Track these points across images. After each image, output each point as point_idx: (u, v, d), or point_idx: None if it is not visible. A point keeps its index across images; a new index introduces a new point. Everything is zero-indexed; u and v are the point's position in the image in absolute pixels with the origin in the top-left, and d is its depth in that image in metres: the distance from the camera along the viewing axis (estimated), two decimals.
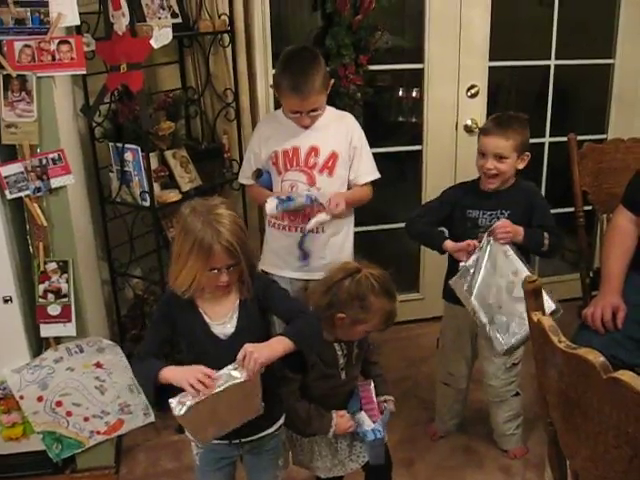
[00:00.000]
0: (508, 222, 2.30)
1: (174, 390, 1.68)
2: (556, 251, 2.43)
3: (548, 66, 3.49)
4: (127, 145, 2.66)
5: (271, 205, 2.42)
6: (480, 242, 2.31)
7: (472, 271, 2.30)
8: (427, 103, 3.38)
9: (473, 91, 3.38)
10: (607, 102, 3.62)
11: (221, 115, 3.07)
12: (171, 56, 3.04)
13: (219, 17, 2.92)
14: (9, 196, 2.28)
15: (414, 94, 3.64)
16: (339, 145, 2.51)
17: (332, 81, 2.51)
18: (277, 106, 3.14)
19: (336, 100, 2.94)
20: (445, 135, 3.43)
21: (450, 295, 2.48)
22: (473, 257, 2.30)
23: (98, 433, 2.59)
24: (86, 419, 2.55)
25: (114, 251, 2.99)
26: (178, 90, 3.04)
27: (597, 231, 3.18)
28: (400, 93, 3.80)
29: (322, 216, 2.43)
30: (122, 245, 3.00)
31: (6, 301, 2.37)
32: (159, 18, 2.69)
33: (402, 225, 3.60)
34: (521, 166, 2.41)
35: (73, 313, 2.41)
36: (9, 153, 2.29)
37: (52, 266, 2.37)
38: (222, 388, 1.66)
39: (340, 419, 2.01)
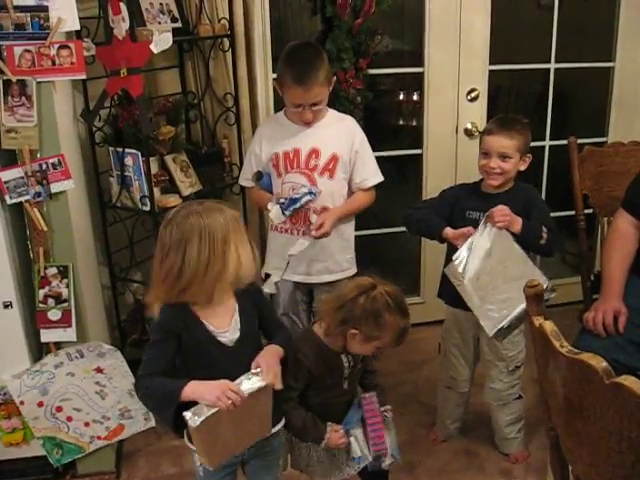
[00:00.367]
0: (506, 207, 2.27)
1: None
2: (553, 248, 2.39)
3: (548, 69, 3.49)
4: (127, 150, 2.66)
5: (276, 213, 2.41)
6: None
7: (467, 254, 2.29)
8: (427, 107, 3.38)
9: (473, 95, 3.38)
10: (607, 105, 3.62)
11: (221, 119, 3.07)
12: (171, 60, 3.04)
13: (219, 21, 2.92)
14: (9, 201, 2.28)
15: (414, 98, 3.64)
16: (340, 148, 2.51)
17: (334, 78, 2.51)
18: (277, 110, 3.15)
19: (336, 104, 2.94)
20: (445, 139, 3.43)
21: (450, 298, 2.48)
22: (468, 240, 2.29)
23: (99, 438, 2.58)
24: (86, 424, 2.55)
25: (114, 256, 2.99)
26: (178, 94, 3.04)
27: (598, 234, 3.17)
28: (400, 97, 3.80)
29: (301, 242, 2.44)
30: (122, 250, 3.00)
31: (6, 306, 2.36)
32: (159, 23, 2.69)
33: (403, 229, 3.61)
34: (523, 167, 2.41)
35: (73, 318, 2.41)
36: (9, 158, 2.29)
37: (52, 271, 2.37)
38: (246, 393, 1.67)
39: (334, 434, 1.99)
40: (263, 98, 3.12)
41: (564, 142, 2.84)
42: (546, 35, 3.42)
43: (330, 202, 2.51)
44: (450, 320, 2.63)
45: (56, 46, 2.21)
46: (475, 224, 2.36)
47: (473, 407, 2.86)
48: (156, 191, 2.71)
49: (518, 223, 2.29)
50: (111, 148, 2.74)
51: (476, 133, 3.38)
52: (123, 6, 2.40)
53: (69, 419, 2.52)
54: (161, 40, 2.47)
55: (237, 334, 1.79)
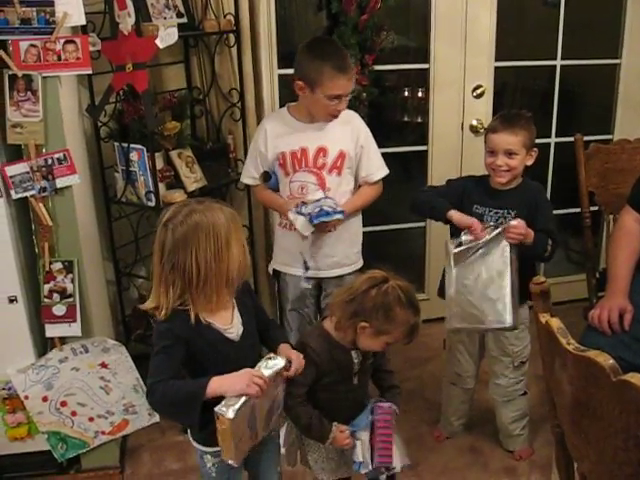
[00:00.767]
0: (523, 224, 2.27)
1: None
2: (550, 258, 2.42)
3: (554, 66, 3.48)
4: (132, 145, 2.66)
5: (305, 225, 2.40)
6: (486, 227, 2.32)
7: (466, 247, 2.33)
8: (433, 103, 3.38)
9: (479, 91, 3.37)
10: (613, 102, 3.61)
11: (226, 115, 3.07)
12: (176, 56, 3.04)
13: (224, 17, 2.92)
14: (15, 196, 2.28)
15: (420, 94, 3.63)
16: (346, 144, 2.51)
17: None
18: (282, 106, 3.14)
19: None
20: (451, 135, 3.43)
21: None
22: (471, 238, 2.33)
23: (103, 433, 2.58)
24: (91, 419, 2.55)
25: (119, 251, 2.99)
26: (183, 90, 3.03)
27: (603, 232, 3.17)
28: (406, 93, 3.79)
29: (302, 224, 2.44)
30: (127, 245, 3.00)
31: (11, 301, 2.36)
32: (165, 18, 2.68)
33: (407, 225, 3.63)
34: (530, 162, 2.40)
35: (78, 313, 2.41)
36: (15, 153, 2.30)
37: (57, 266, 2.37)
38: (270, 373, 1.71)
39: (339, 434, 1.99)
40: (268, 94, 3.12)
41: (570, 139, 2.84)
42: (552, 32, 3.41)
43: (338, 198, 2.51)
44: None
45: (62, 41, 2.21)
46: (481, 219, 2.37)
47: (477, 404, 2.86)
48: (161, 186, 2.71)
49: (531, 237, 2.30)
50: (116, 143, 2.74)
51: (481, 130, 3.37)
52: (129, 1, 2.39)
53: (74, 414, 2.52)
54: (167, 35, 2.47)
55: (241, 329, 1.80)
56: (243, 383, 1.64)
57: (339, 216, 2.43)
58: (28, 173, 2.27)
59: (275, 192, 2.60)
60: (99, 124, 2.78)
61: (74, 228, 2.38)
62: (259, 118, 3.07)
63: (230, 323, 1.79)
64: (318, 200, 2.44)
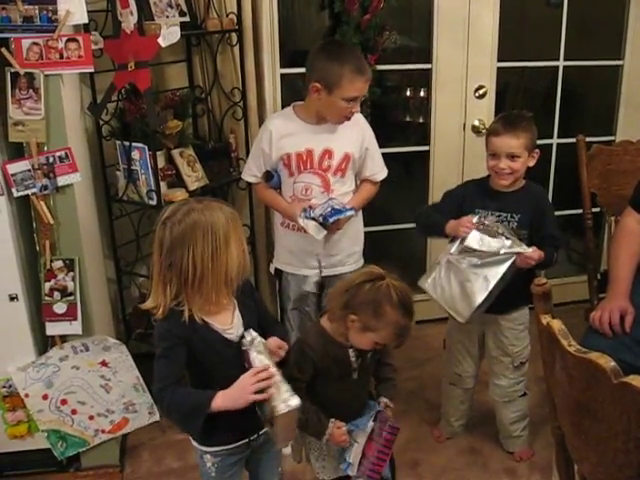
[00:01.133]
0: (538, 254, 2.28)
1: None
2: (555, 263, 2.44)
3: (556, 67, 3.47)
4: (134, 143, 2.66)
5: (317, 230, 2.41)
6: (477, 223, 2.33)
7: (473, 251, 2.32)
8: (435, 103, 3.37)
9: (481, 92, 3.37)
10: (616, 104, 3.61)
11: (228, 114, 3.07)
12: (179, 55, 3.04)
13: (227, 16, 2.92)
14: (16, 194, 2.28)
15: (422, 94, 3.63)
16: (352, 147, 2.53)
17: None
18: (284, 105, 3.14)
19: None
20: (453, 136, 3.42)
21: None
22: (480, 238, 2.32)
23: (103, 432, 2.58)
24: (91, 417, 2.55)
25: (120, 250, 2.99)
26: (185, 89, 3.03)
27: (605, 233, 3.17)
28: (408, 93, 3.78)
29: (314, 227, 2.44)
30: (128, 244, 3.00)
31: (12, 299, 2.37)
32: (167, 17, 2.68)
33: (409, 225, 3.61)
34: (532, 163, 2.40)
35: (79, 311, 2.41)
36: (16, 151, 2.30)
37: (58, 264, 2.37)
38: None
39: (336, 430, 1.99)
40: (270, 93, 3.12)
41: (572, 140, 2.83)
42: (555, 32, 3.41)
43: (340, 199, 2.52)
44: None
45: (64, 39, 2.21)
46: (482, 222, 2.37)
47: (477, 405, 2.86)
48: (163, 185, 2.71)
49: (541, 257, 2.30)
50: (118, 142, 2.74)
51: (483, 130, 3.36)
52: (131, 0, 2.39)
53: (74, 412, 2.52)
54: (169, 34, 2.47)
55: (241, 329, 1.79)
56: (246, 393, 1.66)
57: (351, 212, 2.45)
58: (29, 171, 2.27)
59: (276, 190, 2.60)
60: (101, 122, 2.78)
61: (75, 226, 2.38)
62: (261, 117, 3.07)
63: (230, 323, 1.78)
64: (325, 202, 2.45)
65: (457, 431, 2.82)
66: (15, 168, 2.26)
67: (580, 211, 2.81)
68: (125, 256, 3.01)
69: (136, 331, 3.03)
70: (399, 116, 3.85)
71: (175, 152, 2.81)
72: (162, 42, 2.45)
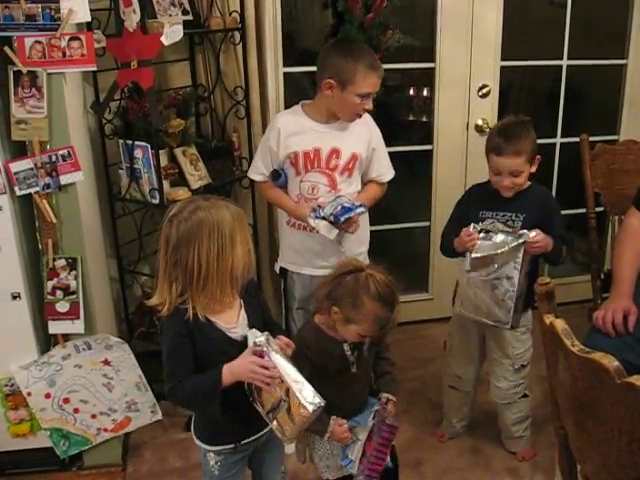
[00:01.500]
0: (542, 235, 2.28)
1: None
2: (561, 262, 2.45)
3: (560, 66, 3.46)
4: (137, 142, 2.66)
5: (328, 229, 2.40)
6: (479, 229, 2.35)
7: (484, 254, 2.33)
8: (438, 102, 3.37)
9: (484, 91, 3.36)
10: (619, 103, 3.60)
11: (231, 113, 3.06)
12: (182, 53, 3.03)
13: (230, 14, 2.91)
14: (18, 192, 2.28)
15: (425, 93, 3.62)
16: (359, 147, 2.53)
17: None
18: (287, 104, 3.14)
19: None
20: (456, 135, 3.42)
21: None
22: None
23: (105, 430, 2.58)
24: (93, 416, 2.55)
25: (123, 248, 2.99)
26: (188, 87, 3.03)
27: (608, 233, 3.16)
28: (411, 92, 3.78)
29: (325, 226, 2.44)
30: (131, 242, 3.00)
31: (14, 297, 2.37)
32: (170, 15, 2.68)
33: (412, 225, 3.64)
34: (534, 169, 2.40)
35: (81, 310, 2.41)
36: (19, 149, 2.29)
37: (61, 263, 2.37)
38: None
39: (337, 427, 1.99)
40: (273, 92, 3.11)
41: (575, 139, 2.83)
42: (558, 31, 3.40)
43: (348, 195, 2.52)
44: (457, 317, 2.62)
45: (67, 37, 2.21)
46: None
47: (480, 405, 2.85)
48: (165, 184, 2.71)
49: (550, 245, 2.32)
50: (121, 140, 2.74)
51: (487, 129, 3.36)
52: None
53: (76, 411, 2.52)
54: (172, 32, 2.46)
55: (246, 329, 1.79)
56: (247, 374, 1.69)
57: (362, 209, 2.44)
58: (32, 170, 2.27)
59: (282, 189, 2.59)
60: (103, 121, 2.78)
61: (78, 225, 2.38)
62: (264, 116, 3.07)
63: (235, 322, 1.78)
64: (334, 200, 2.44)
65: (459, 432, 2.82)
66: (18, 167, 2.26)
67: (583, 211, 2.81)
68: (128, 255, 3.01)
69: (138, 330, 3.03)
70: (402, 115, 3.85)
71: (178, 151, 2.81)
72: (165, 40, 2.44)
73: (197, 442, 1.91)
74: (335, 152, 2.49)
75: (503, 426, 2.71)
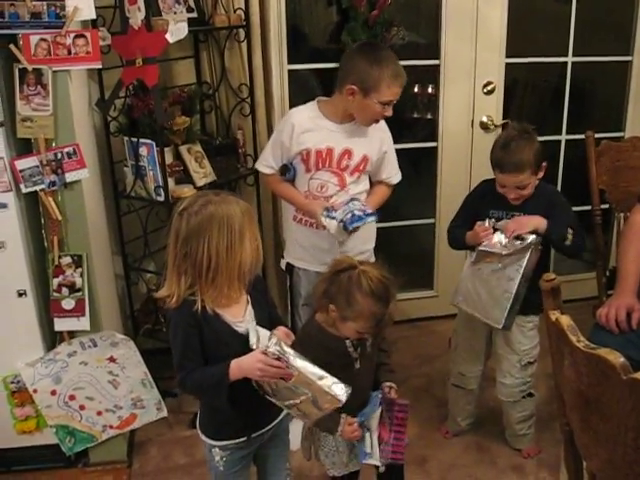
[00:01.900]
0: (512, 224, 2.33)
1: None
2: (577, 251, 2.44)
3: (565, 63, 3.45)
4: (142, 140, 2.66)
5: (340, 231, 2.42)
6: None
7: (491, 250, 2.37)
8: (443, 100, 3.36)
9: (489, 88, 3.35)
10: (625, 100, 3.59)
11: (236, 110, 3.07)
12: (186, 51, 3.04)
13: (235, 12, 2.91)
14: (24, 190, 2.28)
15: (429, 90, 3.61)
16: (371, 149, 2.53)
17: None
18: (291, 101, 3.14)
19: None
20: (461, 132, 3.41)
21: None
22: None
23: (111, 427, 2.59)
24: (99, 413, 2.56)
25: (128, 246, 2.99)
26: (193, 85, 3.03)
27: (614, 230, 3.15)
28: (415, 89, 3.77)
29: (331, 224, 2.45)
30: (136, 240, 3.00)
31: (20, 295, 2.37)
32: (175, 12, 2.68)
33: (417, 222, 3.63)
34: (541, 176, 2.40)
35: (87, 307, 2.42)
36: (24, 147, 2.30)
37: (66, 260, 2.38)
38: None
39: (347, 427, 1.99)
40: (278, 89, 3.11)
41: (580, 136, 2.83)
42: (563, 28, 3.39)
43: (358, 197, 2.53)
44: (462, 315, 2.62)
45: (72, 35, 2.22)
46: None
47: (485, 402, 2.85)
48: (170, 181, 2.71)
49: (541, 222, 2.31)
50: (126, 138, 2.74)
51: (492, 127, 3.36)
52: None
53: (82, 408, 2.53)
54: (177, 30, 2.47)
55: (253, 323, 1.80)
56: (255, 370, 1.68)
57: (372, 218, 2.46)
58: (38, 167, 2.27)
59: (290, 183, 2.59)
60: (109, 118, 2.78)
61: (83, 222, 2.38)
62: (269, 113, 3.07)
63: (242, 317, 1.79)
64: (346, 203, 2.45)
65: (464, 429, 2.82)
66: (23, 164, 2.26)
67: (589, 208, 2.80)
68: (133, 252, 3.01)
69: (144, 327, 3.04)
70: (407, 112, 3.84)
71: (183, 148, 2.81)
72: (170, 38, 2.45)
73: (202, 437, 1.91)
74: (347, 153, 2.49)
75: (507, 424, 2.71)
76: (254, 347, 1.73)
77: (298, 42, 3.31)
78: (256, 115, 3.03)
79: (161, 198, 2.69)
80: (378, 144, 2.56)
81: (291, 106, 3.12)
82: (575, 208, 3.31)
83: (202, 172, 2.85)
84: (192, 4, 2.83)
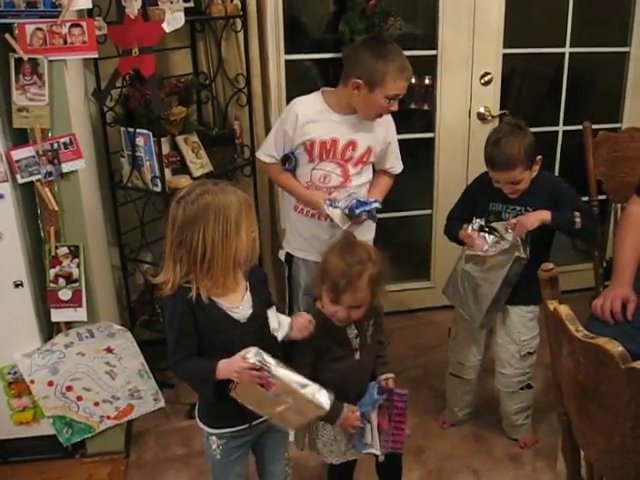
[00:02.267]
0: (523, 221, 2.33)
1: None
2: (590, 231, 2.45)
3: (563, 53, 3.45)
4: (138, 130, 2.65)
5: (343, 218, 2.44)
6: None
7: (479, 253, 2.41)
8: (440, 90, 3.36)
9: (487, 78, 3.34)
10: (622, 90, 3.58)
11: (233, 100, 3.06)
12: (183, 41, 3.03)
13: (231, 1, 2.90)
14: (20, 180, 2.28)
15: (427, 81, 3.60)
16: (375, 141, 2.53)
17: None
18: (289, 91, 3.13)
19: None
20: (458, 123, 3.41)
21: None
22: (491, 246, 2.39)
23: (108, 418, 2.59)
24: (96, 404, 2.56)
25: (125, 236, 2.99)
26: (190, 75, 3.02)
27: (611, 220, 3.15)
28: (413, 80, 3.75)
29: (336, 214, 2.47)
30: (133, 230, 2.99)
31: (17, 286, 2.37)
32: (171, 2, 2.65)
33: (414, 213, 3.63)
34: (536, 171, 2.40)
35: (84, 298, 2.41)
36: (20, 137, 2.29)
37: (63, 251, 2.37)
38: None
39: (351, 414, 1.99)
40: (275, 79, 3.11)
41: (578, 127, 2.82)
42: (561, 18, 3.38)
43: (358, 190, 2.54)
44: None
45: (68, 24, 2.20)
46: (498, 215, 2.43)
47: (484, 392, 2.86)
48: (167, 172, 2.70)
49: (544, 215, 2.32)
50: (122, 128, 2.73)
51: (489, 117, 3.36)
52: None
53: (79, 398, 2.53)
54: (173, 19, 2.45)
55: (250, 311, 1.80)
56: (232, 373, 1.67)
57: (377, 204, 2.49)
58: (34, 157, 2.26)
59: (291, 174, 2.58)
60: (105, 109, 2.76)
61: (80, 213, 2.38)
62: (265, 103, 3.06)
63: (238, 303, 1.80)
64: (347, 195, 2.47)
65: (462, 419, 2.82)
66: (19, 154, 2.25)
67: (586, 198, 2.80)
68: (130, 243, 3.01)
69: (141, 318, 3.04)
70: (404, 103, 3.82)
71: (179, 138, 2.80)
72: (166, 27, 2.44)
73: (200, 425, 1.92)
74: (352, 144, 2.48)
75: (504, 414, 2.71)
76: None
77: (295, 32, 3.29)
78: (253, 105, 3.02)
79: (158, 189, 2.68)
80: (382, 135, 2.55)
81: (288, 96, 3.11)
82: None
83: (199, 162, 2.84)
84: None
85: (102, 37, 2.49)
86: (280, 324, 1.78)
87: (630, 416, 1.17)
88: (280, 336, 1.84)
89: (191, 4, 2.81)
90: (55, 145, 2.27)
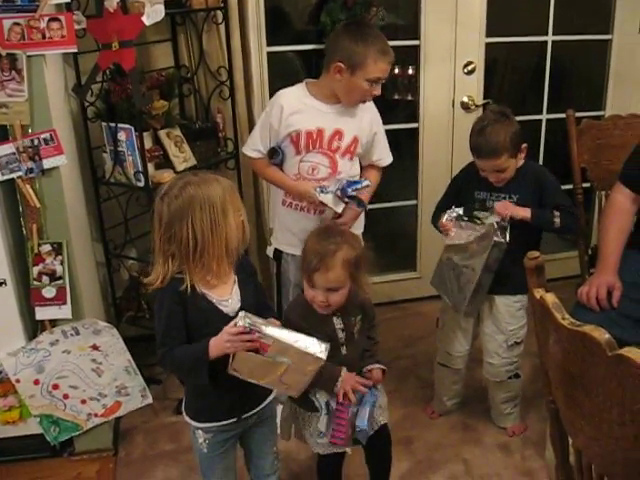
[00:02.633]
0: (506, 204, 2.35)
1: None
2: (570, 228, 2.46)
3: (545, 42, 3.45)
4: (120, 125, 2.63)
5: (336, 201, 2.44)
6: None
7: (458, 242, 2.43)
8: (423, 80, 3.35)
9: (470, 68, 3.34)
10: (605, 78, 3.59)
11: (215, 93, 3.03)
12: (164, 34, 3.00)
13: None
14: (1, 178, 2.25)
15: (410, 71, 3.60)
16: (361, 130, 2.51)
17: None
18: (271, 84, 3.12)
19: None
20: (442, 112, 3.40)
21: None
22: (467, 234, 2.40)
23: (95, 415, 2.58)
24: (83, 402, 2.54)
25: (108, 232, 2.97)
26: (171, 68, 2.99)
27: (595, 208, 3.16)
28: (396, 71, 3.75)
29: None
30: (117, 226, 2.97)
31: (0, 284, 2.34)
32: None
33: (399, 203, 3.63)
34: (522, 160, 2.40)
35: (68, 295, 2.39)
36: (0, 134, 2.26)
37: (46, 248, 2.35)
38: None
39: (348, 376, 1.99)
40: (257, 71, 3.09)
41: (561, 115, 2.83)
42: (543, 7, 3.38)
43: None
44: None
45: (46, 19, 2.17)
46: (483, 203, 2.42)
47: (471, 382, 2.87)
48: (150, 166, 2.68)
49: (526, 212, 2.34)
50: (104, 123, 2.70)
51: (472, 107, 3.36)
52: None
53: (65, 397, 2.51)
54: (153, 12, 2.43)
55: (238, 304, 1.81)
56: (224, 345, 1.68)
57: (367, 182, 2.49)
58: (14, 154, 2.24)
59: (278, 167, 2.56)
60: (86, 104, 2.74)
61: (62, 209, 2.35)
62: (248, 96, 3.04)
63: (227, 296, 1.80)
64: (338, 180, 2.46)
65: (450, 409, 2.83)
66: None
67: (570, 186, 2.80)
68: (114, 239, 2.99)
69: (127, 314, 3.02)
70: (387, 94, 3.82)
71: (162, 133, 2.78)
72: (146, 20, 2.41)
73: (187, 419, 1.92)
74: (338, 134, 2.47)
75: (493, 404, 2.72)
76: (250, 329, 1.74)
77: (277, 24, 3.27)
78: (235, 98, 3.00)
79: (141, 183, 2.66)
80: (368, 125, 2.54)
81: (271, 88, 3.10)
82: None
83: (182, 156, 2.82)
84: None
85: (81, 31, 2.45)
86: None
87: (617, 403, 1.17)
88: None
89: None
90: (36, 141, 2.24)
